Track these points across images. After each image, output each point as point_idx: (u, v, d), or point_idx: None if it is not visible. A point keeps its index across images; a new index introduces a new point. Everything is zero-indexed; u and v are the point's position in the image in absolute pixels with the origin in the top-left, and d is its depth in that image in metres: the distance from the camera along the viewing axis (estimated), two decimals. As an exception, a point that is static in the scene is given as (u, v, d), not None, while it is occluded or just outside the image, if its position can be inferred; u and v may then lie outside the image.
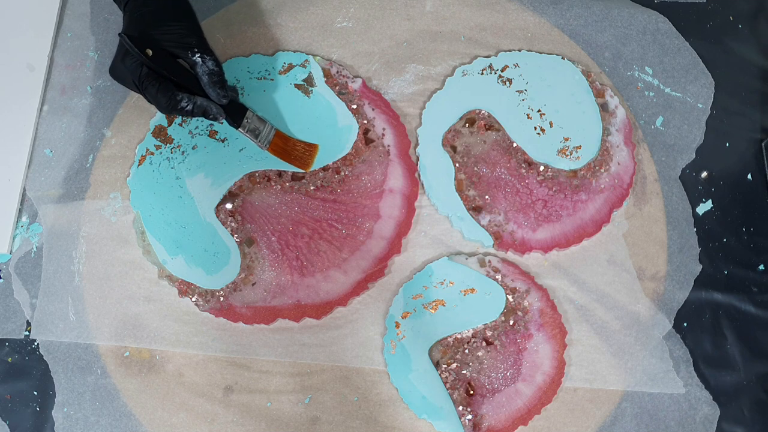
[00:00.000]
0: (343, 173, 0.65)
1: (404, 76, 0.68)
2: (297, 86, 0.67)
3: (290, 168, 0.64)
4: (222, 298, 0.63)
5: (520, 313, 0.63)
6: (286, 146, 0.63)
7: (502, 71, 0.68)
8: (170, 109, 0.56)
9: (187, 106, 0.56)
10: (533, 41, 0.69)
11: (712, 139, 0.68)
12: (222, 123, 0.59)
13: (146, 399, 0.62)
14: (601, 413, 0.63)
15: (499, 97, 0.67)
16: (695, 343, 0.64)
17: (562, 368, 0.62)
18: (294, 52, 0.68)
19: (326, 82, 0.67)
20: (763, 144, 0.69)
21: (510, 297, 0.63)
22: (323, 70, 0.67)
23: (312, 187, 0.65)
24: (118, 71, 0.57)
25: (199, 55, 0.56)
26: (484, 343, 0.62)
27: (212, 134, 0.66)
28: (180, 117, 0.66)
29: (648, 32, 0.70)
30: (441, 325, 0.62)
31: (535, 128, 0.66)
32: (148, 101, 0.57)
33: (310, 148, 0.64)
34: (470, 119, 0.67)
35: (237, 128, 0.60)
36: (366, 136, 0.66)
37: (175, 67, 0.57)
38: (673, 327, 0.64)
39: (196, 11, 0.69)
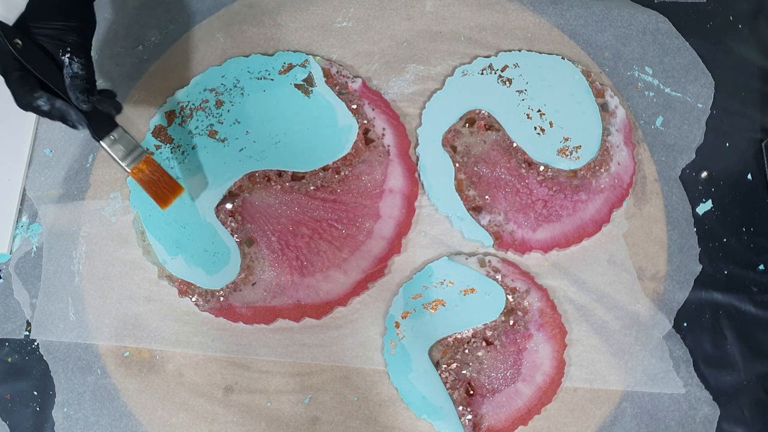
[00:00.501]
0: (343, 173, 0.65)
1: (404, 76, 0.68)
2: (297, 86, 0.67)
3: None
4: (222, 298, 0.63)
5: (520, 313, 0.63)
6: (153, 175, 0.59)
7: (502, 71, 0.68)
8: (25, 105, 0.53)
9: (43, 106, 0.53)
10: (533, 41, 0.69)
11: (712, 139, 0.68)
12: (81, 130, 0.55)
13: (146, 399, 0.62)
14: (601, 413, 0.63)
15: (499, 97, 0.67)
16: (695, 343, 0.64)
17: (562, 368, 0.62)
18: (294, 52, 0.68)
19: (326, 82, 0.67)
20: (763, 144, 0.69)
21: (510, 297, 0.63)
22: (323, 70, 0.67)
23: (312, 187, 0.65)
24: None
25: (68, 56, 0.53)
26: (484, 343, 0.62)
27: (212, 134, 0.66)
28: (172, 115, 0.66)
29: (648, 32, 0.70)
30: (441, 325, 0.62)
31: (535, 128, 0.66)
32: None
33: (175, 188, 0.61)
34: (470, 119, 0.67)
35: (98, 141, 0.56)
36: (366, 136, 0.66)
37: (46, 65, 0.53)
38: (673, 327, 0.64)
39: (196, 11, 0.69)
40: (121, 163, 0.58)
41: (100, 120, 0.56)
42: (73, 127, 0.54)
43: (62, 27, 0.54)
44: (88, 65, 0.54)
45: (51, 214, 0.65)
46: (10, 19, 0.53)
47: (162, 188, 0.60)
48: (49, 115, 0.54)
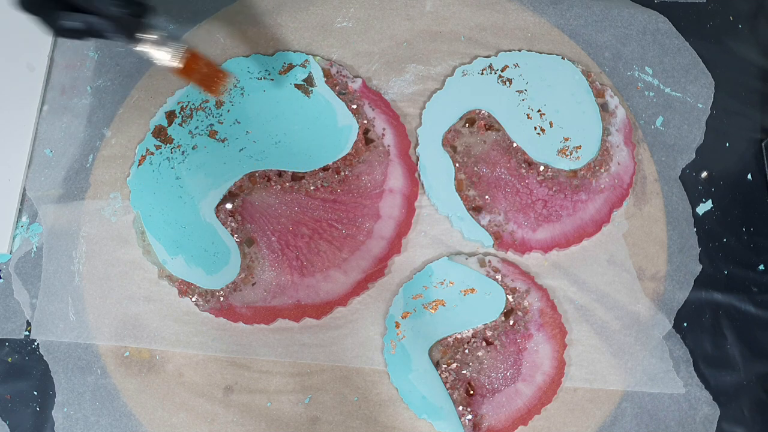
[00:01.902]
0: (343, 173, 0.65)
1: (404, 76, 0.68)
2: (297, 86, 0.67)
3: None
4: (222, 298, 0.63)
5: (520, 313, 0.63)
6: (199, 67, 0.57)
7: (502, 71, 0.68)
8: (58, 27, 0.51)
9: (66, 22, 0.51)
10: (533, 41, 0.69)
11: (712, 139, 0.68)
12: (116, 39, 0.52)
13: (146, 399, 0.62)
14: (601, 413, 0.63)
15: (499, 97, 0.67)
16: (695, 343, 0.64)
17: (562, 368, 0.62)
18: (294, 52, 0.68)
19: (326, 82, 0.67)
20: (763, 144, 0.69)
21: (510, 297, 0.63)
22: (323, 70, 0.67)
23: (312, 187, 0.65)
24: None
25: None
26: (484, 343, 0.62)
27: (212, 134, 0.66)
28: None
29: (648, 32, 0.70)
30: (441, 325, 0.62)
31: (535, 128, 0.66)
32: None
33: (222, 75, 0.59)
34: (470, 119, 0.67)
35: (136, 47, 0.54)
36: (366, 136, 0.66)
37: None
38: (673, 327, 0.64)
39: (196, 11, 0.69)
40: (164, 62, 0.56)
41: (133, 25, 0.53)
42: (104, 36, 0.52)
43: None
44: None
45: (51, 214, 0.65)
46: None
47: (210, 78, 0.58)
48: (83, 32, 0.51)
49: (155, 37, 0.54)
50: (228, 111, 0.66)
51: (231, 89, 0.67)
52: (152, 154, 0.66)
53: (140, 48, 0.54)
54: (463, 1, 0.70)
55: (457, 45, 0.69)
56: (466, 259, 0.64)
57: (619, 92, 0.68)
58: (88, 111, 0.67)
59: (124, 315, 0.63)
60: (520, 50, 0.69)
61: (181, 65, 0.56)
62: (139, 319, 0.63)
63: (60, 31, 0.51)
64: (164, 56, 0.55)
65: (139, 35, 0.53)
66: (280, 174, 0.65)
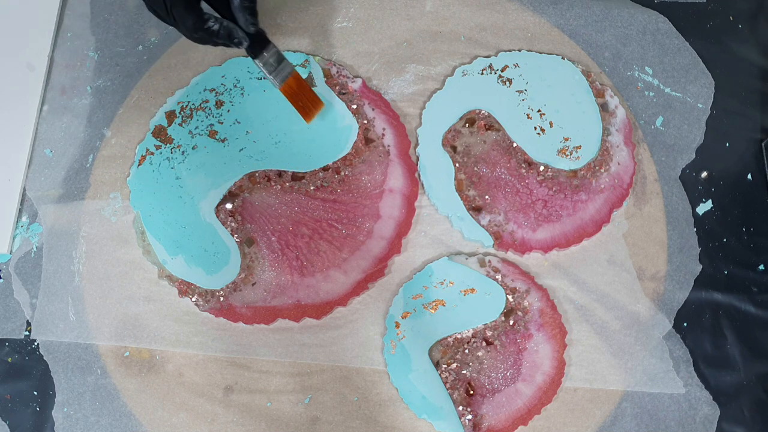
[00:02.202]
0: (343, 173, 0.65)
1: (404, 76, 0.68)
2: (297, 86, 0.67)
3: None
4: (222, 298, 0.63)
5: (520, 313, 0.63)
6: (299, 90, 0.62)
7: (502, 71, 0.68)
8: (196, 28, 0.55)
9: (213, 26, 0.55)
10: (533, 41, 0.69)
11: (712, 139, 0.68)
12: (243, 48, 0.58)
13: (146, 399, 0.62)
14: (601, 413, 0.63)
15: (499, 97, 0.67)
16: (695, 343, 0.64)
17: (562, 368, 0.62)
18: (294, 52, 0.68)
19: (326, 82, 0.67)
20: (763, 144, 0.69)
21: (510, 297, 0.63)
22: (323, 70, 0.67)
23: (312, 187, 0.65)
24: None
25: None
26: (484, 343, 0.62)
27: (212, 134, 0.66)
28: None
29: (648, 32, 0.70)
30: (441, 325, 0.62)
31: (535, 128, 0.66)
32: (174, 25, 0.56)
33: (318, 103, 0.63)
34: (470, 119, 0.67)
35: (255, 59, 0.59)
36: (366, 136, 0.66)
37: None
38: (673, 327, 0.64)
39: (196, 11, 0.69)
40: (272, 79, 0.60)
41: (257, 40, 0.59)
42: (238, 44, 0.56)
43: None
44: None
45: (51, 214, 0.65)
46: None
47: (307, 102, 0.62)
48: (216, 34, 0.55)
49: (271, 56, 0.59)
50: (228, 111, 0.66)
51: (231, 89, 0.67)
52: (152, 154, 0.66)
53: (257, 62, 0.59)
54: (463, 1, 0.70)
55: (457, 45, 0.69)
56: (466, 259, 0.64)
57: (619, 92, 0.68)
58: (88, 111, 0.67)
59: (124, 315, 0.63)
60: (520, 50, 0.69)
61: (282, 86, 0.61)
62: (139, 319, 0.63)
63: (197, 30, 0.55)
64: (271, 74, 0.60)
65: (257, 52, 0.59)
66: (280, 174, 0.65)
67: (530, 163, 0.66)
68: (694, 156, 0.68)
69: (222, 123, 0.66)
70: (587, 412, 0.62)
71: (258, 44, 0.59)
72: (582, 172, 0.66)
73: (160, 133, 0.66)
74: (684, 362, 0.64)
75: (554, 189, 0.65)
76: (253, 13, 0.57)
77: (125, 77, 0.68)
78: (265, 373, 0.62)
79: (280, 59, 0.60)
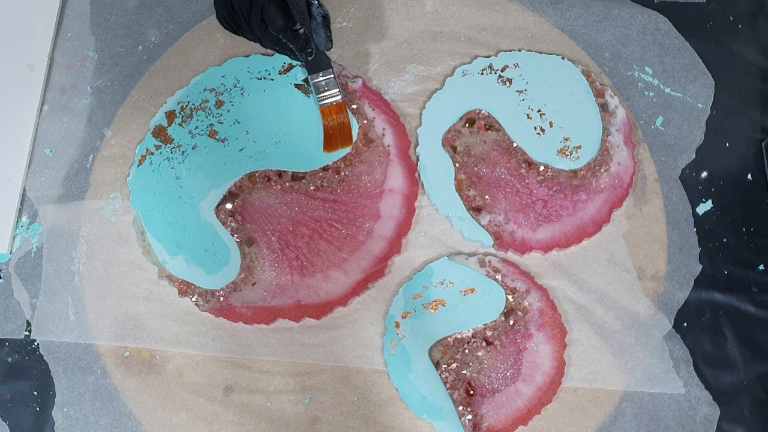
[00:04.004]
0: (343, 173, 0.65)
1: (404, 76, 0.68)
2: (297, 86, 0.67)
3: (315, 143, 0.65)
4: (222, 298, 0.63)
5: (520, 313, 0.63)
6: (335, 121, 0.64)
7: (502, 71, 0.68)
8: (284, 28, 0.59)
9: (300, 29, 0.59)
10: (533, 41, 0.69)
11: (712, 139, 0.68)
12: (308, 60, 0.62)
13: (146, 399, 0.62)
14: (601, 413, 0.63)
15: (499, 97, 0.67)
16: (695, 343, 0.64)
17: (562, 368, 0.62)
18: (294, 52, 0.68)
19: (326, 82, 0.67)
20: (763, 144, 0.69)
21: (510, 297, 0.63)
22: (323, 70, 0.67)
23: (312, 187, 0.65)
24: None
25: None
26: (484, 343, 0.62)
27: (212, 134, 0.66)
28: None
29: (648, 32, 0.70)
30: (441, 325, 0.62)
31: (535, 128, 0.66)
32: (244, 25, 0.61)
33: (346, 142, 0.65)
34: (470, 119, 0.67)
35: (309, 74, 0.63)
36: (366, 136, 0.66)
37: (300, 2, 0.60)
38: (673, 327, 0.64)
39: (196, 11, 0.69)
40: (317, 99, 0.64)
41: (319, 59, 0.63)
42: (308, 54, 0.61)
43: None
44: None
45: (51, 214, 0.65)
46: None
47: (337, 134, 0.64)
48: (297, 38, 0.60)
49: (325, 79, 0.63)
50: (228, 111, 0.66)
51: (231, 89, 0.67)
52: (152, 154, 0.66)
53: (310, 78, 0.63)
54: (463, 1, 0.70)
55: (457, 45, 0.69)
56: (466, 259, 0.64)
57: (619, 92, 0.68)
58: (88, 111, 0.67)
59: (124, 315, 0.63)
60: (520, 50, 0.69)
61: (319, 107, 0.64)
62: (139, 319, 0.63)
63: (282, 30, 0.59)
64: (317, 94, 0.63)
65: (318, 71, 0.63)
66: (280, 174, 0.65)
67: (530, 163, 0.66)
68: (694, 156, 0.68)
69: (222, 123, 0.66)
70: (587, 412, 0.62)
71: (318, 63, 0.63)
72: (582, 172, 0.66)
73: (160, 133, 0.66)
74: (684, 362, 0.64)
75: (554, 189, 0.65)
76: (330, 31, 0.62)
77: (125, 77, 0.68)
78: (265, 373, 0.62)
79: (333, 85, 0.63)
